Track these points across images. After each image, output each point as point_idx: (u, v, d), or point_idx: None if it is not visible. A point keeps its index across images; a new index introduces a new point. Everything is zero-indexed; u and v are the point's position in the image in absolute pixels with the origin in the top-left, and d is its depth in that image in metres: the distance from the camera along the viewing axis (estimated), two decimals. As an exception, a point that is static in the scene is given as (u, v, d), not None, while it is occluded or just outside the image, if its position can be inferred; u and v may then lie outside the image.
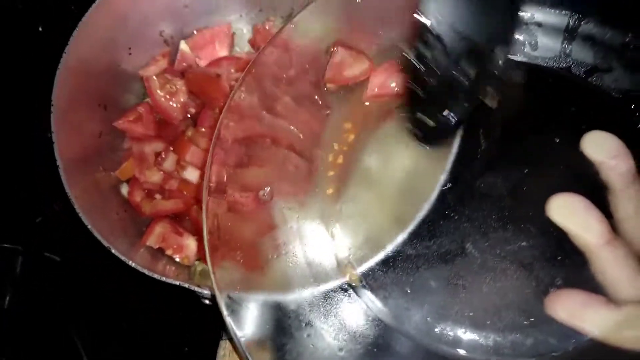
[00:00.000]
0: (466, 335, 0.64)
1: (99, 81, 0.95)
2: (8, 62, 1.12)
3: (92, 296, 1.05)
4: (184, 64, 1.04)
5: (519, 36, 0.80)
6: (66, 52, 0.87)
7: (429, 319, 0.67)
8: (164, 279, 0.78)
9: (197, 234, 0.95)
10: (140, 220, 0.96)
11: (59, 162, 0.83)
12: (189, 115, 1.02)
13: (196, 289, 0.78)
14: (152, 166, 0.95)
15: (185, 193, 0.95)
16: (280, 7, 1.08)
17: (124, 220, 0.93)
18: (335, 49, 1.00)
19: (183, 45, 1.04)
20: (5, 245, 1.04)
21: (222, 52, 1.05)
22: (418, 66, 0.66)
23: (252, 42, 1.08)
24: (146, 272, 0.78)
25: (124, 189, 0.98)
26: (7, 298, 1.03)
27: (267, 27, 1.07)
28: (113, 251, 0.79)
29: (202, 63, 1.05)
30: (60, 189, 0.82)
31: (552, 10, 0.78)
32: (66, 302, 1.04)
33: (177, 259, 0.92)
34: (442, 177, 0.73)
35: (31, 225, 1.07)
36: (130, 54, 0.99)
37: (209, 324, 0.91)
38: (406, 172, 0.86)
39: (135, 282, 0.82)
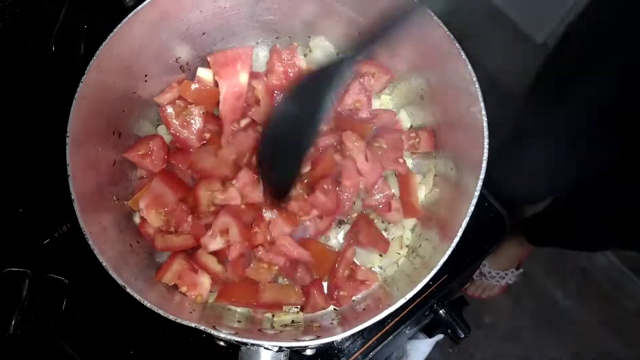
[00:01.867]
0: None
1: (114, 109, 0.94)
2: (22, 81, 1.10)
3: (100, 321, 1.04)
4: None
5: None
6: (83, 82, 0.85)
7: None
8: (179, 320, 0.77)
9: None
10: (154, 251, 0.96)
11: (73, 196, 0.81)
12: (204, 141, 1.01)
13: (212, 331, 0.77)
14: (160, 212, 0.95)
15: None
16: (297, 34, 1.08)
17: (137, 252, 0.92)
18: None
19: (201, 72, 1.02)
20: (12, 269, 1.02)
21: (243, 73, 1.02)
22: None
23: (270, 65, 1.07)
24: (161, 312, 0.77)
25: (137, 218, 0.97)
26: (13, 323, 1.01)
27: (288, 52, 1.05)
28: (128, 290, 0.78)
29: (222, 82, 1.03)
30: (67, 211, 0.81)
31: None
32: (73, 326, 1.03)
33: (193, 296, 0.91)
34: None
35: (38, 248, 1.06)
36: (146, 80, 0.98)
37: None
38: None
39: (145, 307, 0.79)
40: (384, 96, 1.08)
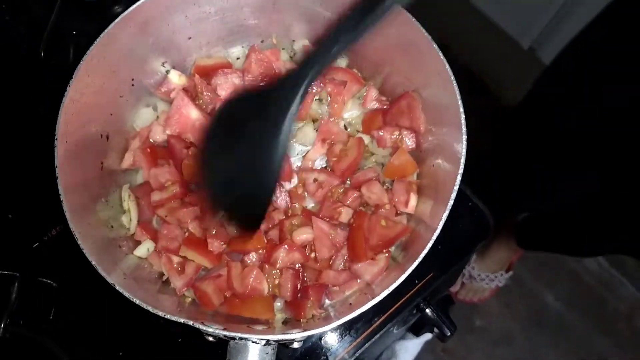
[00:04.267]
0: None
1: (102, 112, 0.96)
2: (11, 86, 1.12)
3: (89, 324, 1.04)
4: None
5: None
6: (71, 85, 0.87)
7: None
8: (168, 316, 0.78)
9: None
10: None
11: (62, 197, 0.83)
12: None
13: (201, 326, 0.78)
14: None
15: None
16: (281, 38, 1.10)
17: (126, 252, 0.93)
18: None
19: (172, 76, 1.05)
20: (1, 272, 1.03)
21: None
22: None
23: (247, 64, 1.08)
24: (150, 309, 0.78)
25: (125, 219, 0.98)
26: (2, 326, 1.02)
27: (269, 53, 1.07)
28: (117, 288, 0.79)
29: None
30: (56, 214, 0.82)
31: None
32: (62, 330, 1.04)
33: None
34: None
35: (28, 251, 1.07)
36: (133, 84, 1.00)
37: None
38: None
39: (134, 308, 0.80)
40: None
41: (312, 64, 0.70)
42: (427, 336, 1.29)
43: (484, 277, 2.19)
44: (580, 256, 2.27)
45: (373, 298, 0.78)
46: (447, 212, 0.80)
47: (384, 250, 0.94)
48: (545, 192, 1.71)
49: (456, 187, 0.80)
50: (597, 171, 1.41)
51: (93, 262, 0.80)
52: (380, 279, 0.91)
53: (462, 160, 0.82)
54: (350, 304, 0.91)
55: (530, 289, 2.36)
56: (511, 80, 1.97)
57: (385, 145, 1.01)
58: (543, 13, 2.37)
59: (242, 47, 1.11)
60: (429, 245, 0.79)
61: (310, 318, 0.89)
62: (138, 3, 0.91)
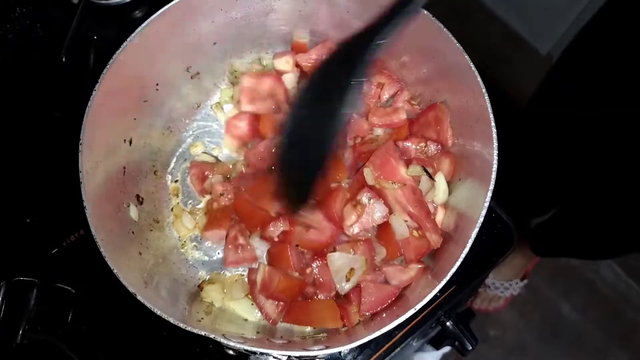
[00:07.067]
0: None
1: (125, 117, 0.95)
2: (33, 90, 1.11)
3: (106, 331, 1.03)
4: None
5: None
6: (97, 90, 0.86)
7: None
8: (189, 328, 0.77)
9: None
10: (162, 259, 0.96)
11: (85, 202, 0.82)
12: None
13: (221, 339, 0.77)
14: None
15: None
16: (308, 45, 1.09)
17: (146, 259, 0.92)
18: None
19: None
20: (20, 278, 1.02)
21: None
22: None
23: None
24: (171, 320, 0.77)
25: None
26: (20, 332, 1.01)
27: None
28: (138, 297, 0.78)
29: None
30: (75, 221, 0.82)
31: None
32: (79, 336, 1.03)
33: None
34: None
35: (47, 257, 1.06)
36: (157, 89, 0.99)
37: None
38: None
39: (153, 315, 0.79)
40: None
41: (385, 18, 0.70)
42: (446, 349, 1.27)
43: (498, 285, 2.16)
44: (594, 258, 2.23)
45: (395, 319, 0.76)
46: (476, 230, 0.78)
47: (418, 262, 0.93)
48: (551, 190, 1.69)
49: (486, 205, 0.78)
50: (599, 164, 1.39)
51: (115, 270, 0.79)
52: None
53: (493, 176, 0.80)
54: (371, 319, 0.90)
55: (545, 299, 2.32)
56: (528, 86, 1.94)
57: (410, 156, 0.99)
58: (561, 19, 2.33)
59: (267, 52, 1.09)
60: (457, 264, 0.78)
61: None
62: (165, 7, 0.89)
